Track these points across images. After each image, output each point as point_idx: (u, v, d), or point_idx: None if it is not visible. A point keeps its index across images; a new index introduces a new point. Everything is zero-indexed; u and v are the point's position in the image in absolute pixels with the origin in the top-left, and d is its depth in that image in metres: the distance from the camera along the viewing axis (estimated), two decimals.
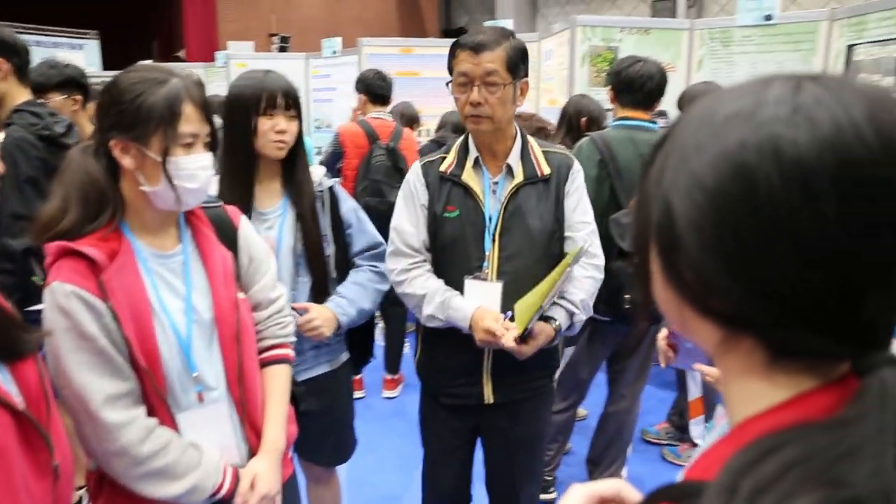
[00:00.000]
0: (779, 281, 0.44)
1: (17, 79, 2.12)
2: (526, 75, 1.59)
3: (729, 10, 10.53)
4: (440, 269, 1.68)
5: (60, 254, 1.10)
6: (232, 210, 1.38)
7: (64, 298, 1.08)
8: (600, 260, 1.73)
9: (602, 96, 3.36)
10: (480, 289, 1.63)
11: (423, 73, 5.07)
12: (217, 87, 5.48)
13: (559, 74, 4.21)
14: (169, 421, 1.18)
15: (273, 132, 1.60)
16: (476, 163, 1.64)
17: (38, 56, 2.57)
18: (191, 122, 1.13)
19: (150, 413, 1.17)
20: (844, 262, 0.43)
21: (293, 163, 1.69)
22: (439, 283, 1.66)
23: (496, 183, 1.64)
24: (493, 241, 1.62)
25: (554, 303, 1.65)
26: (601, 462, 2.59)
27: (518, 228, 1.62)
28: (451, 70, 1.58)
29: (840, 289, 0.44)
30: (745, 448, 0.44)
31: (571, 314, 1.66)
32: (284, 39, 10.98)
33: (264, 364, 1.37)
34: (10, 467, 0.88)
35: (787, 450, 0.42)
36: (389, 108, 3.64)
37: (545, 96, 4.59)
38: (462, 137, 1.69)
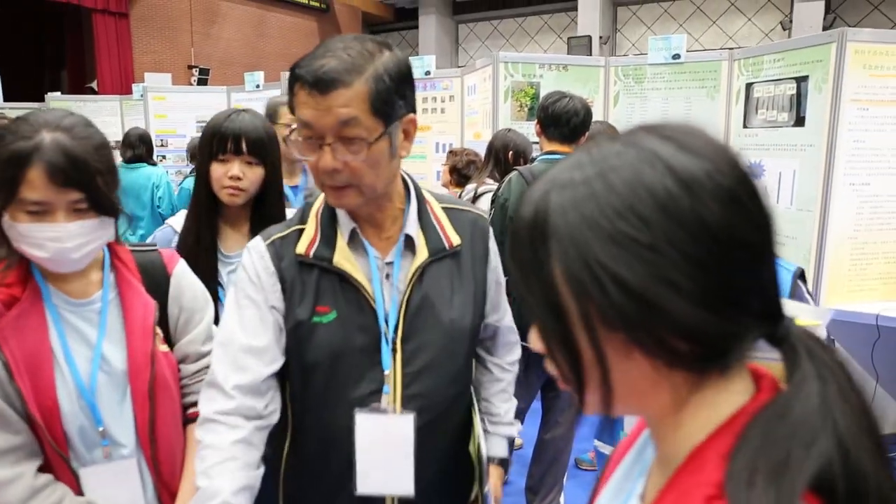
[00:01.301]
0: (743, 289, 0.49)
1: None
2: (412, 109, 1.05)
3: (640, 47, 11.22)
4: (313, 405, 1.12)
5: None
6: (168, 255, 1.30)
7: None
8: (514, 336, 1.34)
9: (525, 129, 3.47)
10: (381, 428, 1.09)
11: None
12: (134, 121, 5.29)
13: (483, 108, 4.32)
14: (68, 477, 1.11)
15: (225, 178, 1.54)
16: (353, 237, 1.10)
17: None
18: (36, 190, 1.00)
19: (47, 468, 1.10)
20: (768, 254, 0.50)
21: (261, 208, 1.62)
22: (234, 481, 1.01)
23: (389, 264, 1.11)
24: (395, 351, 1.09)
25: (485, 432, 1.30)
26: (539, 490, 2.60)
27: (430, 328, 1.11)
28: (292, 110, 1.01)
29: (760, 277, 0.49)
30: (735, 450, 0.46)
31: (511, 439, 1.33)
32: (203, 72, 10.78)
33: (188, 421, 1.28)
34: None
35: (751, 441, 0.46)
36: None
37: (470, 129, 4.69)
38: (321, 199, 1.13)
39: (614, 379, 0.50)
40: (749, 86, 3.33)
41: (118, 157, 4.38)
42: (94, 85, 9.89)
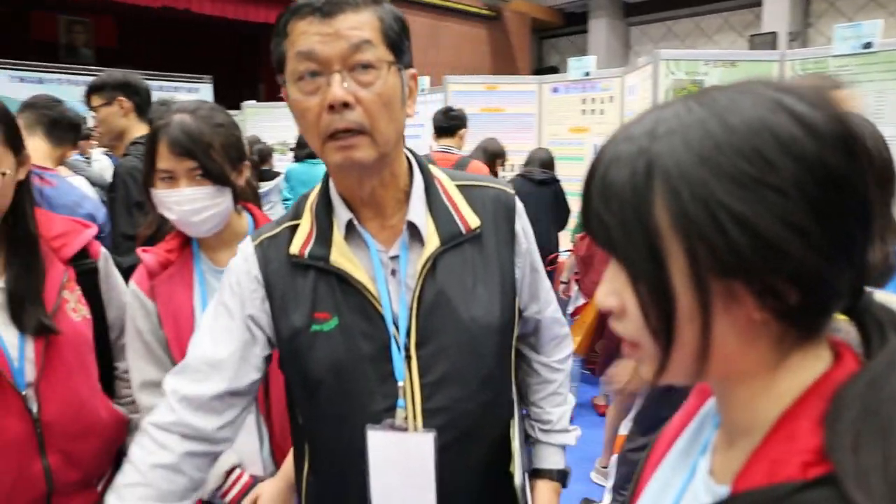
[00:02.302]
0: (858, 244, 0.48)
1: (136, 115, 2.38)
2: (411, 64, 0.92)
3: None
4: (323, 424, 0.99)
5: (142, 259, 1.28)
6: None
7: (130, 295, 1.26)
8: (562, 329, 1.18)
9: None
10: (397, 448, 0.94)
11: (507, 109, 5.23)
12: None
13: (642, 109, 4.18)
14: None
15: None
16: (350, 229, 0.96)
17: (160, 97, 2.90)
18: (163, 160, 1.20)
19: None
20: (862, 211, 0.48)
21: None
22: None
23: (394, 258, 0.96)
24: (409, 359, 0.94)
25: (537, 442, 1.17)
26: None
27: (448, 329, 0.94)
28: (279, 64, 0.89)
29: (867, 237, 0.49)
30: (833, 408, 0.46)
31: (563, 446, 1.18)
32: None
33: None
34: None
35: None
36: (461, 142, 3.74)
37: None
38: (317, 190, 1.01)
39: (715, 332, 0.48)
40: None
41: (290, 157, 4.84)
42: (282, 95, 10.98)
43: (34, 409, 1.14)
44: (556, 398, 1.17)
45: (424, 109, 5.65)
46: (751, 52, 5.26)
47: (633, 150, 0.49)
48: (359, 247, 0.95)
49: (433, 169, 1.01)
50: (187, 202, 1.20)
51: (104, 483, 1.29)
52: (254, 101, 7.48)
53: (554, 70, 11.91)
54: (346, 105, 0.83)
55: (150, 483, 0.91)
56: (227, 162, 1.22)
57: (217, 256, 1.31)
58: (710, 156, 0.46)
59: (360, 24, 0.84)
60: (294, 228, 0.98)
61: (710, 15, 12.16)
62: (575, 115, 5.09)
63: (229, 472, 1.27)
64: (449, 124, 3.66)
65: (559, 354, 1.17)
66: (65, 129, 2.32)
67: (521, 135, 5.15)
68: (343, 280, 0.93)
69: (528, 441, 1.19)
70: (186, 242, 1.30)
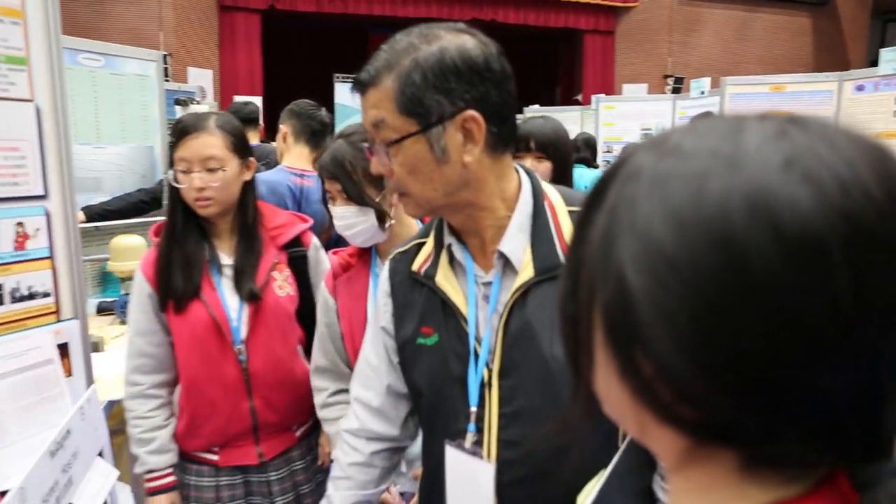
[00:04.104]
0: (776, 386, 0.34)
1: None
2: (473, 105, 0.86)
3: None
4: (425, 430, 1.10)
5: (330, 261, 1.53)
6: None
7: (320, 291, 1.49)
8: None
9: None
10: (465, 469, 0.95)
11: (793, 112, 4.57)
12: (586, 129, 5.88)
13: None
14: None
15: None
16: (452, 254, 0.99)
17: None
18: (326, 182, 1.39)
19: None
20: (864, 356, 0.34)
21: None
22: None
23: (488, 284, 0.97)
24: (488, 385, 0.95)
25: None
26: None
27: (528, 363, 0.93)
28: None
29: (857, 393, 0.35)
30: None
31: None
32: (678, 81, 10.96)
33: None
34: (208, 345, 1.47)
35: None
36: None
37: None
38: None
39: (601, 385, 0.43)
40: None
41: None
42: (579, 98, 11.18)
43: (244, 360, 1.48)
44: None
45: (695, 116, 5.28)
46: None
47: None
48: (462, 270, 0.99)
49: (552, 194, 0.99)
50: (339, 218, 1.37)
51: (303, 430, 1.59)
52: (536, 106, 7.77)
53: None
54: (382, 175, 0.93)
55: (351, 477, 1.13)
56: (370, 185, 1.35)
57: None
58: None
59: (376, 102, 0.87)
60: (420, 246, 1.05)
61: None
62: (886, 117, 4.23)
63: None
64: None
65: None
66: (322, 136, 2.63)
67: None
68: (444, 301, 0.98)
69: None
70: (367, 248, 1.45)
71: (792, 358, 0.34)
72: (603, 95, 6.72)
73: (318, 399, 1.48)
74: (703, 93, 5.35)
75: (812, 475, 0.40)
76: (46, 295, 1.57)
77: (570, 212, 0.97)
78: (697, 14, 11.38)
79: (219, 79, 9.67)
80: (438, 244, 1.01)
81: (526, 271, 0.93)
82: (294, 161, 2.40)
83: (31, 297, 1.54)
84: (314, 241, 1.62)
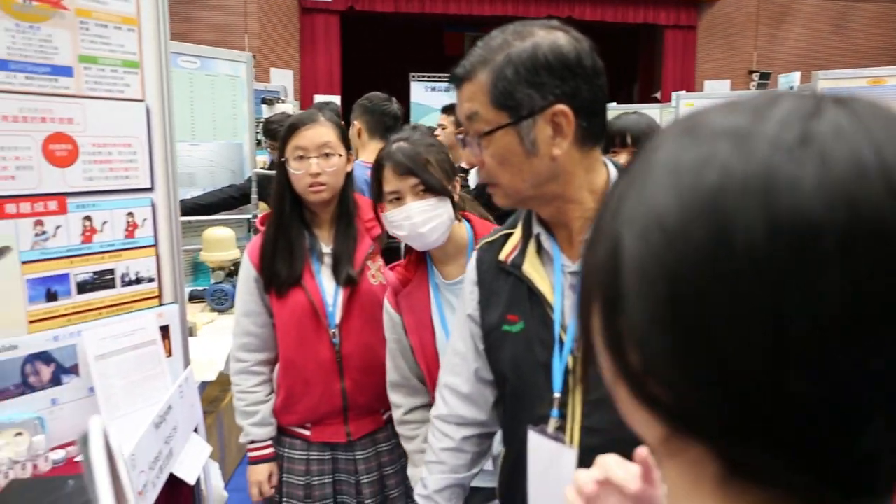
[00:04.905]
0: (744, 377, 0.31)
1: None
2: (563, 99, 0.88)
3: None
4: (508, 415, 1.12)
5: (386, 277, 1.54)
6: None
7: (384, 308, 1.50)
8: None
9: None
10: (547, 455, 0.98)
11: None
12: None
13: None
14: None
15: None
16: (541, 244, 1.02)
17: None
18: (389, 182, 1.35)
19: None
20: (846, 364, 0.30)
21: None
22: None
23: (575, 273, 0.99)
24: (573, 372, 0.98)
25: None
26: None
27: None
28: None
29: (835, 404, 0.30)
30: None
31: None
32: (764, 76, 10.48)
33: None
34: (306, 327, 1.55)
35: None
36: None
37: None
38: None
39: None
40: None
41: None
42: (658, 95, 10.89)
43: (337, 343, 1.56)
44: None
45: None
46: None
47: None
48: (549, 259, 1.01)
49: None
50: (416, 214, 1.34)
51: (389, 414, 1.65)
52: (613, 104, 7.64)
53: None
54: (474, 165, 0.98)
55: (443, 461, 1.18)
56: (443, 175, 1.37)
57: (446, 270, 1.45)
58: None
59: (471, 95, 0.91)
60: (508, 236, 1.08)
61: None
62: None
63: None
64: None
65: None
66: (395, 130, 2.74)
67: None
68: (531, 289, 1.01)
69: None
70: (421, 260, 1.47)
71: (762, 350, 0.30)
72: (683, 92, 6.52)
73: (395, 415, 1.53)
74: (792, 88, 5.10)
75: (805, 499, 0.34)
76: (151, 280, 1.69)
77: None
78: (787, 5, 10.85)
79: (299, 79, 10.01)
80: (526, 234, 1.04)
81: None
82: (370, 156, 2.46)
83: (138, 281, 1.66)
84: None
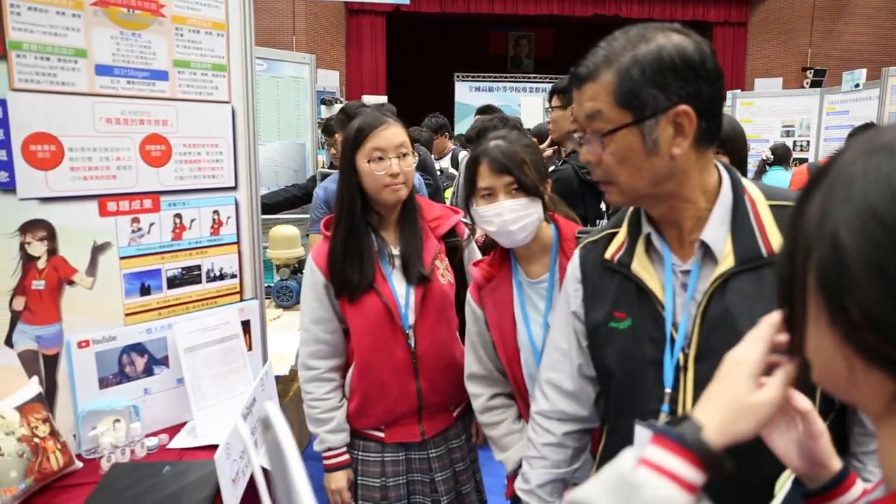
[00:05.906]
0: None
1: None
2: (686, 100, 0.91)
3: None
4: (613, 411, 1.12)
5: (471, 273, 1.55)
6: None
7: (467, 302, 1.52)
8: None
9: None
10: None
11: None
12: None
13: None
14: (522, 408, 1.48)
15: None
16: (650, 243, 1.04)
17: None
18: (484, 179, 1.37)
19: (514, 397, 1.51)
20: None
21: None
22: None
23: (686, 272, 1.01)
24: (683, 369, 0.99)
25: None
26: None
27: (728, 348, 0.88)
28: None
29: None
30: None
31: None
32: (819, 73, 10.17)
33: None
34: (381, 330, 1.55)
35: None
36: None
37: None
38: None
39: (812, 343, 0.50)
40: None
41: None
42: None
43: (412, 344, 1.57)
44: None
45: (856, 108, 4.87)
46: None
47: None
48: (655, 259, 1.03)
49: (750, 188, 1.02)
50: (507, 212, 1.36)
51: (459, 410, 1.67)
52: None
53: None
54: (590, 163, 0.97)
55: (545, 457, 1.21)
56: (536, 176, 1.38)
57: (530, 269, 1.46)
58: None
59: (594, 94, 0.93)
60: (612, 236, 1.10)
61: None
62: None
63: None
64: None
65: None
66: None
67: None
68: (640, 287, 1.03)
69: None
70: (506, 257, 1.48)
71: None
72: (739, 91, 6.35)
73: (477, 404, 1.54)
74: (857, 86, 4.93)
75: None
76: (234, 276, 1.75)
77: (770, 206, 0.99)
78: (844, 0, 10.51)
79: (345, 79, 10.14)
80: (634, 233, 1.05)
81: (726, 261, 0.96)
82: None
83: (222, 277, 1.72)
84: (467, 231, 1.69)
